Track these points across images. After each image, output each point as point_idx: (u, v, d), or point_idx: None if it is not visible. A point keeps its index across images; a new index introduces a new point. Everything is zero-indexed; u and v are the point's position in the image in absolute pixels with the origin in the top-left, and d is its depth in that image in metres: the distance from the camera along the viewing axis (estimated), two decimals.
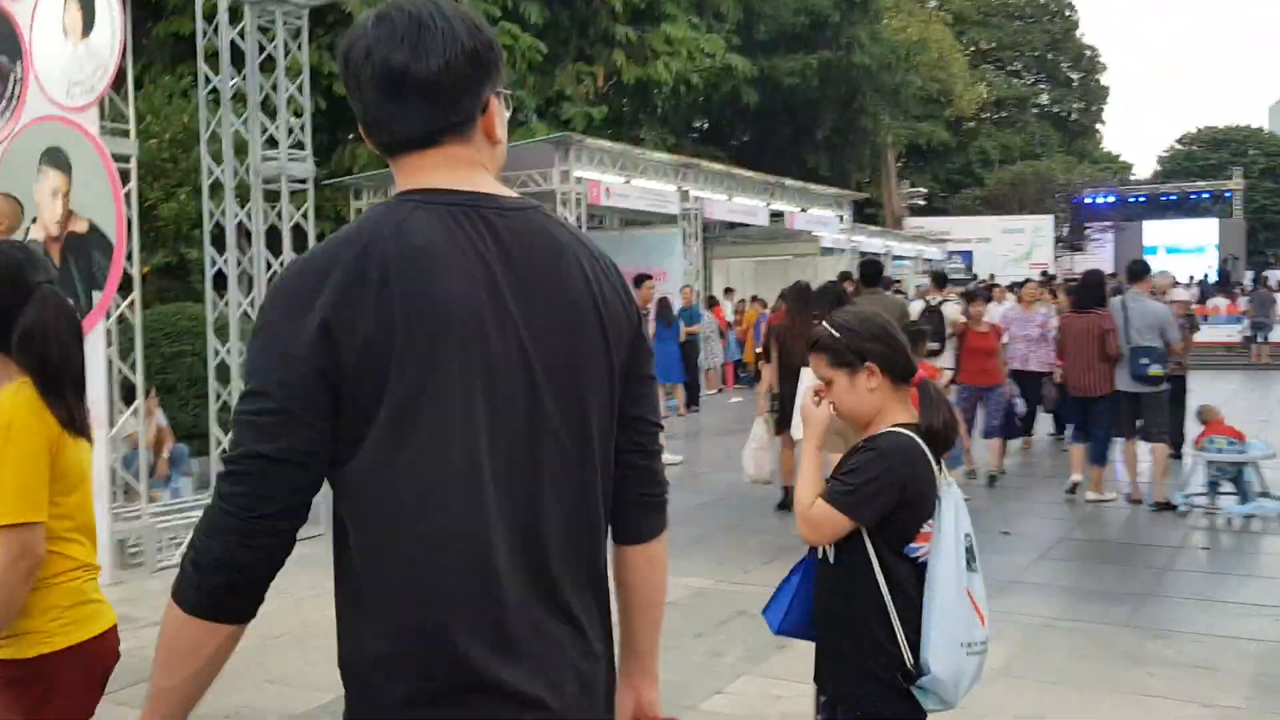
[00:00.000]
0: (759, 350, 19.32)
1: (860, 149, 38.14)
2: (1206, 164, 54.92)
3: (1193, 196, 45.99)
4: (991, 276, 29.22)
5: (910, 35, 37.11)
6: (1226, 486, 7.96)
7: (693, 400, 16.32)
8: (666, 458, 10.26)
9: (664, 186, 16.96)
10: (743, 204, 19.15)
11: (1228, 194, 44.78)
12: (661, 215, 17.85)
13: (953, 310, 11.32)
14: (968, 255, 40.23)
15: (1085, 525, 7.80)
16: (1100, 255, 43.24)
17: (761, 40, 31.30)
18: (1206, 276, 37.66)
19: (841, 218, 22.99)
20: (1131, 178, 55.28)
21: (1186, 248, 42.89)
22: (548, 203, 16.54)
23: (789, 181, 20.94)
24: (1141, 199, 45.54)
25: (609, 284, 1.55)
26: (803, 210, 21.14)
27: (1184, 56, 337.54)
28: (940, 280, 12.74)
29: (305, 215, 8.37)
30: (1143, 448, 8.47)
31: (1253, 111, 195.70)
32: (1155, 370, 7.93)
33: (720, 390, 18.81)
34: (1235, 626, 5.26)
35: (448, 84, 1.43)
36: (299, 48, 8.28)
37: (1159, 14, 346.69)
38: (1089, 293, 8.68)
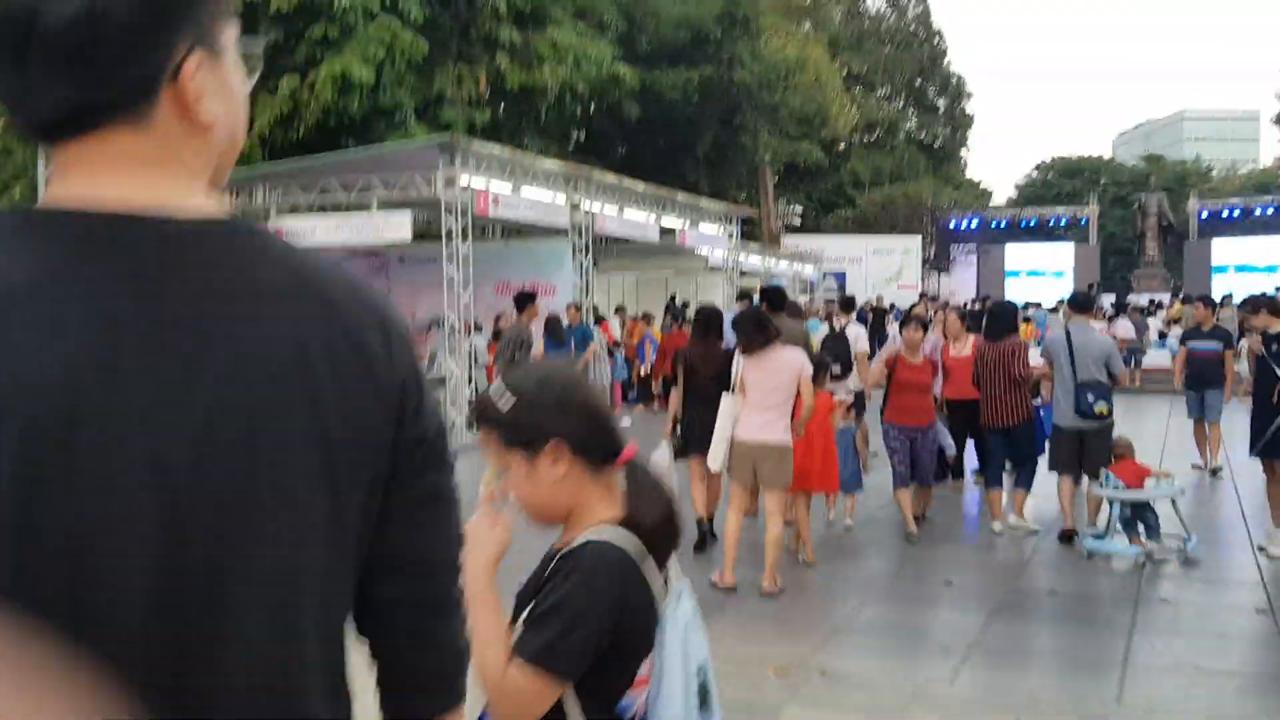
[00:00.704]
0: (646, 371, 18.78)
1: (739, 166, 38.05)
2: (1061, 191, 57.06)
3: (1051, 222, 47.42)
4: (879, 299, 29.27)
5: (789, 56, 37.15)
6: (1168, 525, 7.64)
7: None
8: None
9: (554, 197, 16.07)
10: (633, 218, 18.40)
11: (1083, 220, 46.30)
12: (546, 227, 16.94)
13: (855, 334, 10.86)
14: (842, 275, 40.53)
15: (1030, 572, 7.23)
16: (965, 277, 44.32)
17: (643, 53, 30.79)
18: (1059, 301, 38.73)
19: (731, 235, 22.46)
20: (991, 204, 57.00)
21: (1046, 271, 44.19)
22: (430, 210, 15.70)
23: (680, 196, 20.32)
24: (1003, 223, 46.76)
25: (349, 347, 1.06)
26: (693, 226, 20.51)
27: (1039, 89, 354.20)
28: (847, 304, 12.32)
29: None
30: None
31: (1099, 142, 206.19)
32: (1101, 407, 7.64)
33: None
34: (1230, 706, 4.71)
35: (93, 38, 0.94)
36: None
37: (1017, 47, 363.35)
38: (1000, 322, 8.39)
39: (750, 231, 35.06)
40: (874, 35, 52.33)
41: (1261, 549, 7.53)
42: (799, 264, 34.95)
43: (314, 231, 14.40)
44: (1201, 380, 10.99)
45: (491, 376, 10.88)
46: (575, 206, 16.52)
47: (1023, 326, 25.88)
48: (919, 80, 53.69)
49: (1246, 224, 44.73)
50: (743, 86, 34.07)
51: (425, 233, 15.91)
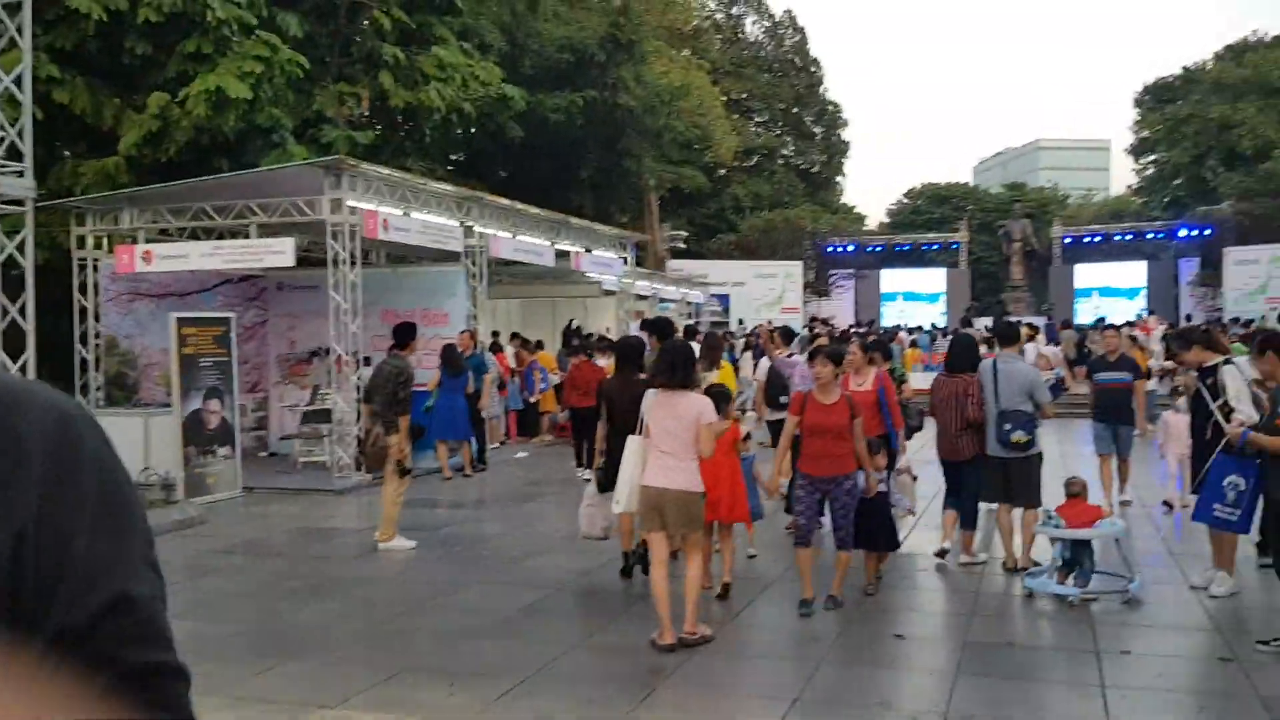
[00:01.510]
0: (533, 399, 18.08)
1: (624, 190, 37.73)
2: (930, 218, 58.48)
3: (924, 247, 48.54)
4: (817, 323, 29.26)
5: (672, 80, 37.06)
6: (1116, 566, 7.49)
7: (480, 457, 14.67)
8: (398, 544, 8.94)
9: (446, 221, 15.30)
10: (528, 242, 17.74)
11: (954, 245, 47.49)
12: (435, 253, 16.14)
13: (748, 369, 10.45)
14: (726, 299, 40.59)
15: (981, 622, 6.83)
16: (843, 301, 44.90)
17: (526, 75, 30.18)
18: (933, 325, 39.52)
19: (625, 260, 21.99)
20: (865, 229, 58.10)
21: (922, 294, 45.15)
22: (315, 235, 14.74)
23: (574, 221, 19.74)
24: (878, 248, 47.64)
25: None
26: (587, 250, 19.95)
27: (904, 118, 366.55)
28: (787, 335, 11.97)
29: (21, 245, 6.27)
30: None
31: (961, 169, 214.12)
32: (1018, 437, 7.73)
33: (503, 443, 17.24)
34: None
35: None
36: (18, 30, 6.23)
37: (885, 77, 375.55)
38: (960, 356, 8.41)
39: (638, 256, 34.73)
40: (753, 63, 52.87)
41: (1203, 589, 7.32)
42: (686, 288, 34.76)
43: (187, 257, 13.33)
44: (1112, 413, 10.39)
45: (367, 419, 9.98)
46: (469, 230, 15.78)
47: (909, 352, 26.29)
48: (796, 108, 54.44)
49: (1106, 249, 46.62)
50: (626, 110, 33.77)
51: (304, 258, 14.94)
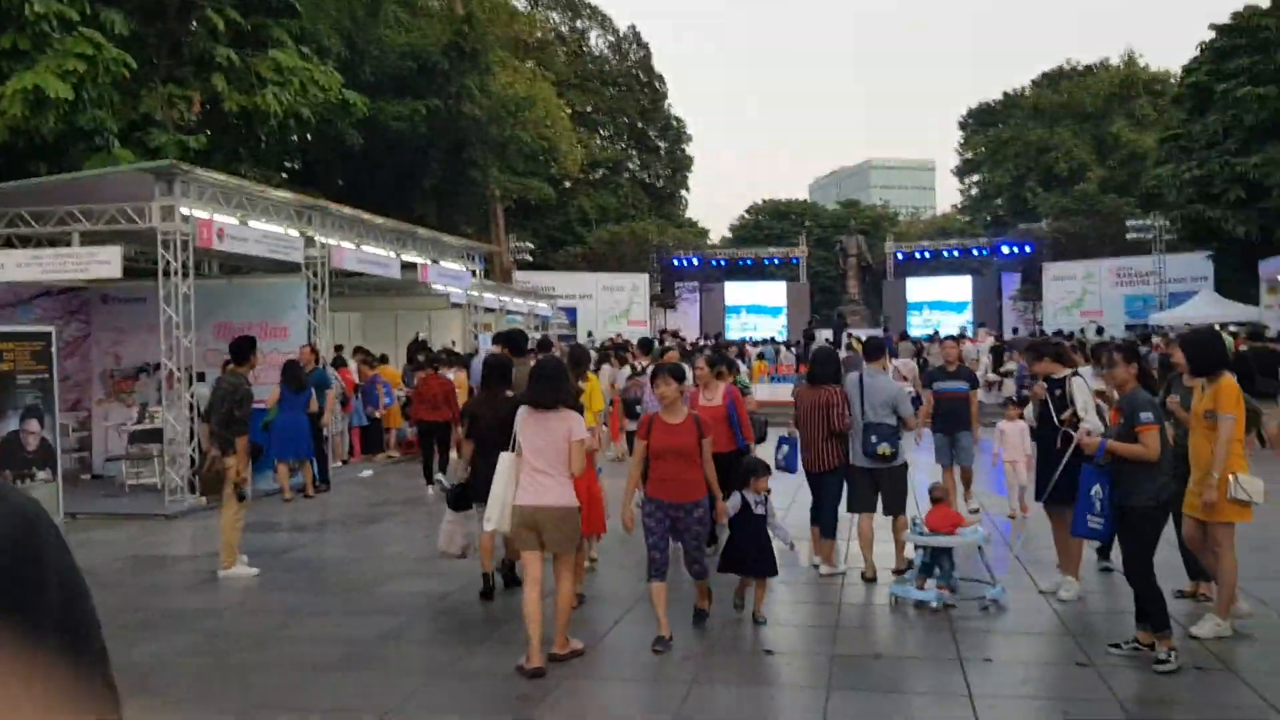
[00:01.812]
0: (378, 415, 17.48)
1: (469, 200, 37.23)
2: (771, 233, 59.94)
3: (766, 261, 49.62)
4: (679, 335, 29.21)
5: (518, 91, 36.80)
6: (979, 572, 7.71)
7: (322, 477, 14.06)
8: (239, 571, 8.31)
9: (286, 230, 14.64)
10: (373, 253, 17.16)
11: (795, 260, 48.70)
12: (274, 262, 15.42)
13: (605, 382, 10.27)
14: (573, 311, 40.51)
15: (847, 633, 6.84)
16: (689, 314, 45.43)
17: (367, 81, 29.42)
18: (772, 339, 40.40)
19: (474, 272, 21.56)
20: (709, 243, 59.05)
21: (765, 307, 46.09)
22: (144, 244, 13.84)
23: (422, 231, 19.23)
24: (722, 262, 48.46)
25: None
26: (434, 262, 19.47)
27: (744, 135, 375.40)
28: (645, 346, 11.84)
29: None
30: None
31: (798, 186, 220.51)
32: (883, 449, 7.94)
33: (346, 461, 16.60)
34: None
35: None
36: None
37: (725, 95, 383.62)
38: (823, 368, 8.57)
39: (485, 268, 34.27)
40: (597, 77, 53.09)
41: (1051, 593, 7.56)
42: (533, 300, 34.45)
43: (2, 267, 12.33)
44: (951, 423, 10.53)
45: (205, 438, 9.44)
46: (310, 241, 15.15)
47: (756, 364, 26.69)
48: (641, 122, 54.91)
49: (935, 265, 48.69)
50: (471, 120, 33.38)
51: (130, 268, 14.03)
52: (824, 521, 8.36)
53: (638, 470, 6.70)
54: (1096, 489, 5.98)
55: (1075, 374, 7.71)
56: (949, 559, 7.47)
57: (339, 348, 20.44)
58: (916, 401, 10.86)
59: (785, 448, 11.32)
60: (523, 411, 6.31)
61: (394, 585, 8.40)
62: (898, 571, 8.07)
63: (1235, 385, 6.47)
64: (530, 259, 42.27)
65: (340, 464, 16.10)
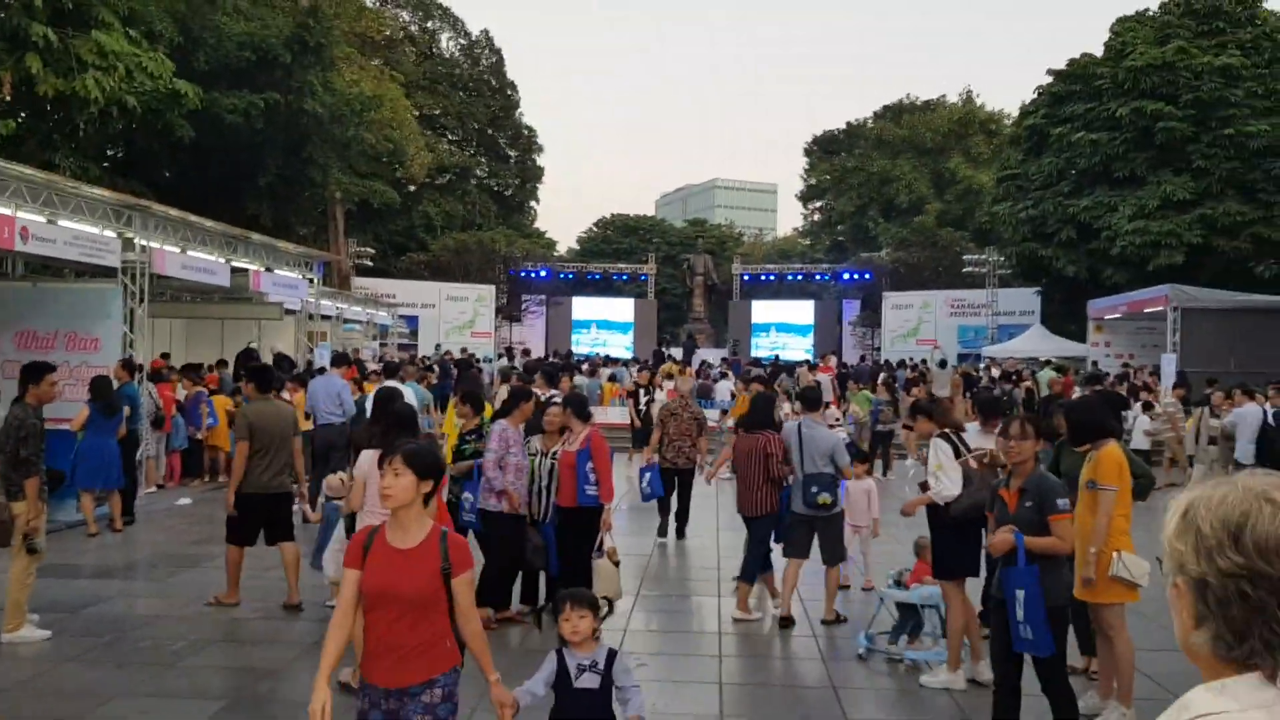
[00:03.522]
0: (200, 436, 16.03)
1: (306, 200, 35.47)
2: (619, 247, 59.70)
3: (615, 276, 49.28)
4: (567, 355, 28.13)
5: (364, 90, 35.27)
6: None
7: (128, 508, 12.63)
8: (27, 635, 7.22)
9: (101, 231, 13.22)
10: (200, 259, 15.78)
11: (643, 276, 48.53)
12: (88, 265, 13.93)
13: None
14: (414, 320, 39.17)
15: (825, 701, 6.25)
16: (535, 327, 44.62)
17: (201, 70, 27.52)
18: (626, 357, 40.01)
19: (311, 281, 20.26)
20: (557, 255, 58.35)
21: (614, 323, 45.69)
22: None
23: (256, 236, 17.87)
24: (570, 275, 47.85)
25: None
26: (268, 270, 18.14)
27: (594, 148, 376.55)
28: (552, 376, 11.17)
29: None
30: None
31: (645, 202, 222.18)
32: (823, 498, 8.05)
33: (162, 487, 15.14)
34: None
35: None
36: None
37: (575, 106, 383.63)
38: (758, 415, 8.73)
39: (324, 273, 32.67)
40: (447, 80, 51.71)
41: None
42: (372, 308, 33.07)
43: None
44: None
45: None
46: (129, 243, 13.74)
47: (606, 385, 26.09)
48: (491, 129, 53.80)
49: (779, 288, 49.36)
50: (312, 116, 31.70)
51: None
52: (746, 566, 8.46)
53: (343, 626, 3.80)
54: (1021, 593, 5.39)
55: (944, 433, 7.33)
56: (917, 617, 7.49)
57: (165, 356, 18.85)
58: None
59: (647, 475, 10.88)
60: (368, 456, 6.20)
61: (216, 653, 7.36)
62: (826, 622, 8.18)
63: (1119, 454, 6.15)
64: (370, 264, 40.71)
65: (154, 489, 14.67)
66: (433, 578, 3.73)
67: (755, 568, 8.48)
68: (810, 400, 8.75)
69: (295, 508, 9.41)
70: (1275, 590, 1.34)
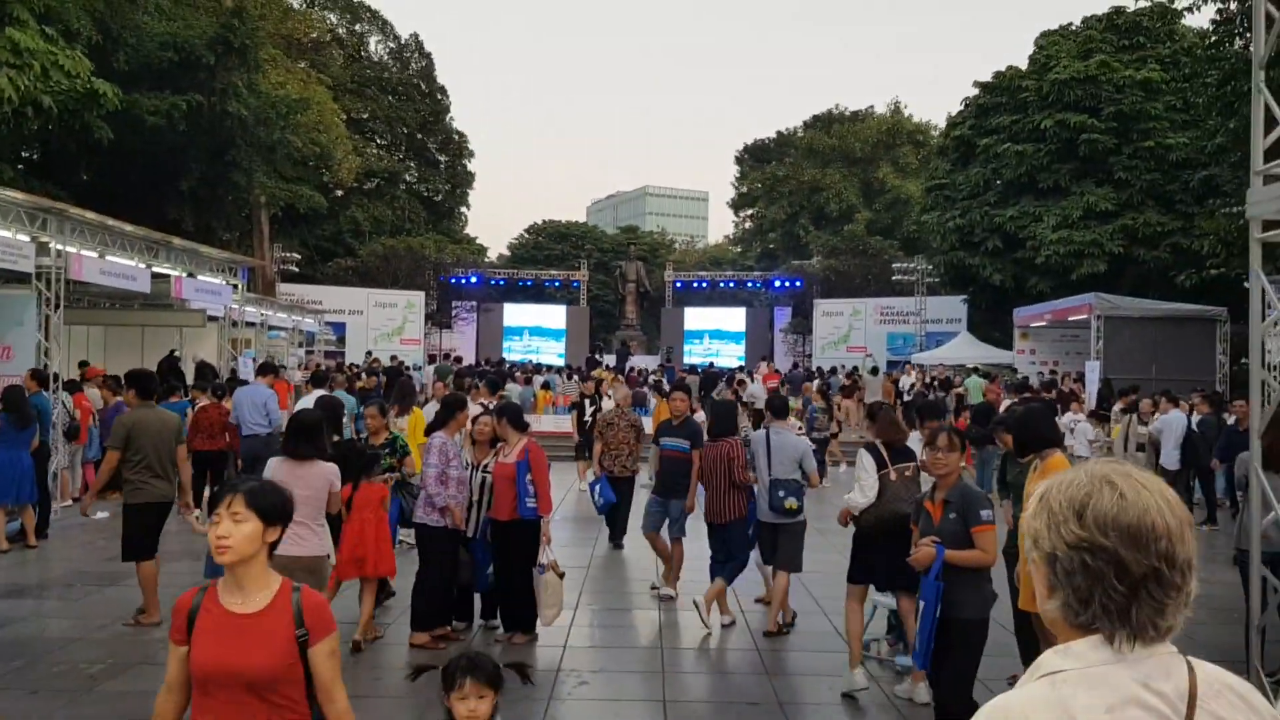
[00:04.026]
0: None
1: (231, 205, 34.65)
2: (551, 254, 59.50)
3: (546, 283, 49.02)
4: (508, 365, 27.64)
5: (290, 92, 34.59)
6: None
7: (43, 524, 12.11)
8: None
9: (13, 235, 12.66)
10: (119, 264, 15.22)
11: (575, 283, 48.35)
12: (1, 271, 13.35)
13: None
14: (341, 327, 38.51)
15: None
16: (466, 334, 44.17)
17: (121, 71, 26.71)
18: (560, 364, 39.79)
19: (236, 287, 19.72)
20: (487, 261, 57.91)
21: (546, 330, 45.44)
22: None
23: (177, 241, 17.32)
24: (501, 282, 47.49)
25: None
26: (190, 275, 17.60)
27: (524, 154, 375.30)
28: (495, 384, 10.95)
29: None
30: None
31: (575, 208, 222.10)
32: (790, 503, 8.03)
33: (76, 500, 14.53)
34: None
35: None
36: None
37: (507, 111, 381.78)
38: (722, 422, 8.85)
39: (247, 281, 31.95)
40: (376, 83, 50.96)
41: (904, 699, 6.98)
42: (298, 315, 32.39)
43: None
44: (669, 486, 9.47)
45: None
46: (44, 248, 13.20)
47: (540, 393, 25.87)
48: (420, 133, 53.18)
49: (710, 295, 49.53)
50: (237, 119, 30.98)
51: None
52: (730, 569, 8.47)
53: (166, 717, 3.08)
54: (922, 604, 5.28)
55: (870, 444, 7.26)
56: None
57: (84, 365, 18.19)
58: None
59: (598, 487, 10.82)
60: (276, 463, 6.36)
61: (136, 677, 7.01)
62: (769, 633, 8.23)
63: (1065, 463, 6.15)
64: (297, 270, 39.94)
65: (70, 502, 14.10)
66: (284, 649, 2.95)
67: (739, 569, 8.58)
68: (777, 407, 8.76)
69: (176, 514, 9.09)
70: (1111, 561, 1.55)
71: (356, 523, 7.75)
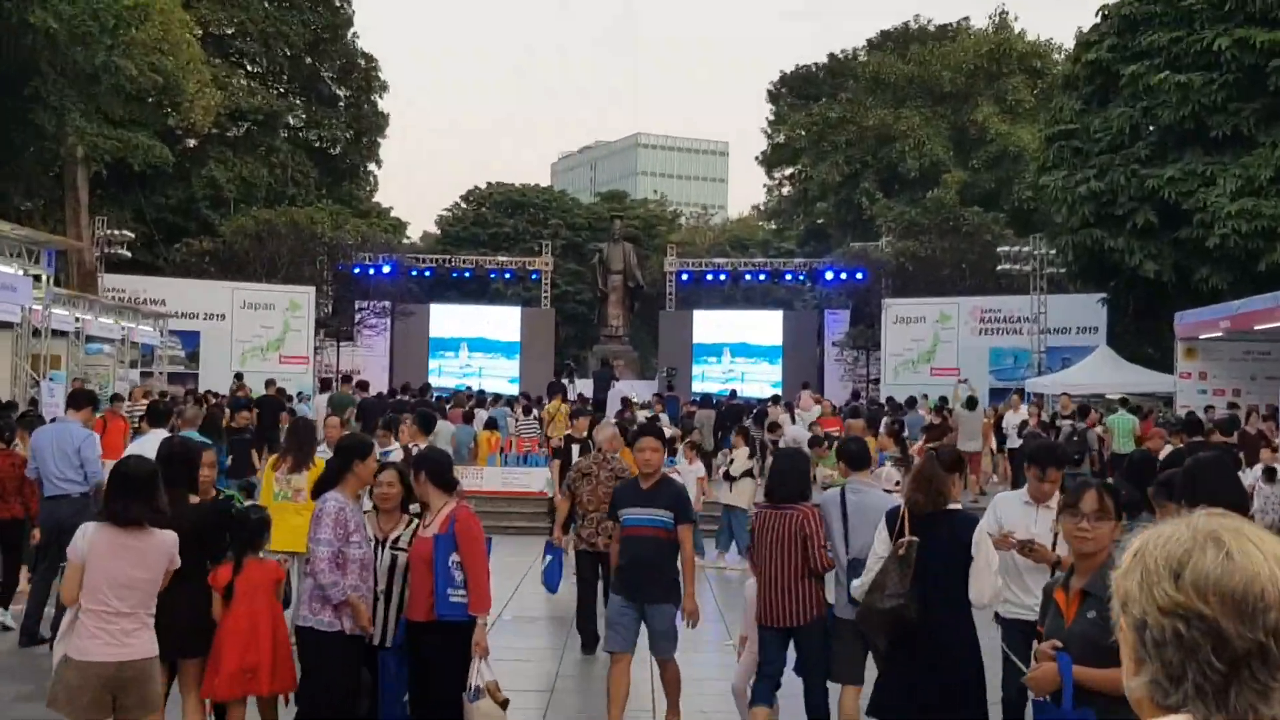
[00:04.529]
0: None
1: (32, 159, 34.80)
2: (499, 232, 59.70)
3: (492, 275, 49.10)
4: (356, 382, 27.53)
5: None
6: None
7: None
8: None
9: None
10: None
11: (535, 274, 48.38)
12: None
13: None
14: (194, 338, 38.46)
15: None
16: (376, 348, 44.20)
17: None
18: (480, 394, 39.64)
19: (40, 279, 19.78)
20: (406, 240, 57.98)
21: (492, 342, 45.51)
22: None
23: None
24: (426, 273, 47.61)
25: None
26: None
27: (466, 90, 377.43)
28: (427, 421, 10.87)
29: None
30: None
31: (537, 168, 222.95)
32: None
33: None
34: None
35: None
36: None
37: (439, 35, 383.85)
38: (788, 481, 8.74)
39: (56, 272, 31.93)
40: None
41: None
42: (131, 321, 32.33)
43: None
44: (641, 583, 8.99)
45: None
46: None
47: (483, 435, 25.80)
48: (311, 57, 53.37)
49: (733, 292, 49.53)
50: (43, 36, 31.18)
51: None
52: (812, 704, 8.42)
53: None
54: None
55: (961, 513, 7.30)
56: None
57: None
58: None
59: (549, 558, 10.72)
60: (93, 530, 6.63)
61: None
62: None
63: None
64: (130, 255, 39.94)
65: None
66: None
67: (825, 701, 8.47)
68: (854, 455, 8.92)
69: None
70: (1209, 633, 1.77)
71: (244, 617, 7.56)
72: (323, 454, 12.01)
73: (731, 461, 19.15)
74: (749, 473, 18.68)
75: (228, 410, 23.12)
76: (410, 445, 12.41)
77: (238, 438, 18.88)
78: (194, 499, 7.77)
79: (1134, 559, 1.90)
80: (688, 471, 18.39)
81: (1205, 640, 1.76)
